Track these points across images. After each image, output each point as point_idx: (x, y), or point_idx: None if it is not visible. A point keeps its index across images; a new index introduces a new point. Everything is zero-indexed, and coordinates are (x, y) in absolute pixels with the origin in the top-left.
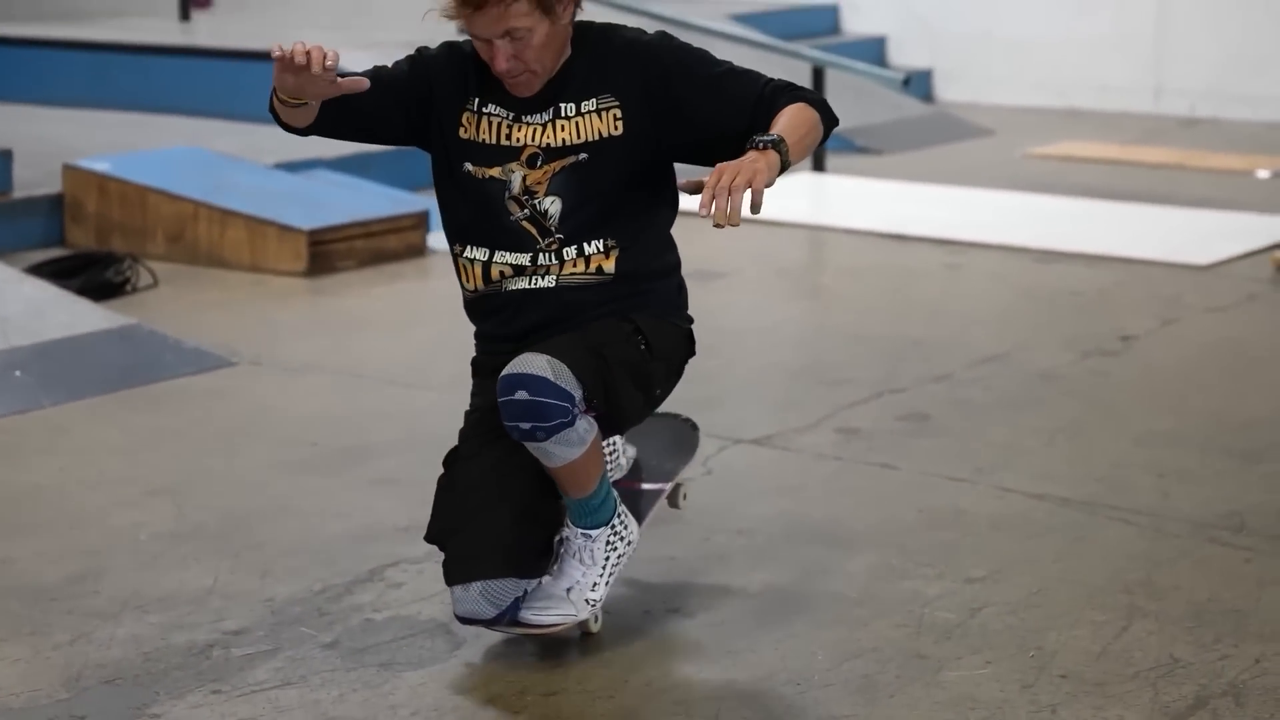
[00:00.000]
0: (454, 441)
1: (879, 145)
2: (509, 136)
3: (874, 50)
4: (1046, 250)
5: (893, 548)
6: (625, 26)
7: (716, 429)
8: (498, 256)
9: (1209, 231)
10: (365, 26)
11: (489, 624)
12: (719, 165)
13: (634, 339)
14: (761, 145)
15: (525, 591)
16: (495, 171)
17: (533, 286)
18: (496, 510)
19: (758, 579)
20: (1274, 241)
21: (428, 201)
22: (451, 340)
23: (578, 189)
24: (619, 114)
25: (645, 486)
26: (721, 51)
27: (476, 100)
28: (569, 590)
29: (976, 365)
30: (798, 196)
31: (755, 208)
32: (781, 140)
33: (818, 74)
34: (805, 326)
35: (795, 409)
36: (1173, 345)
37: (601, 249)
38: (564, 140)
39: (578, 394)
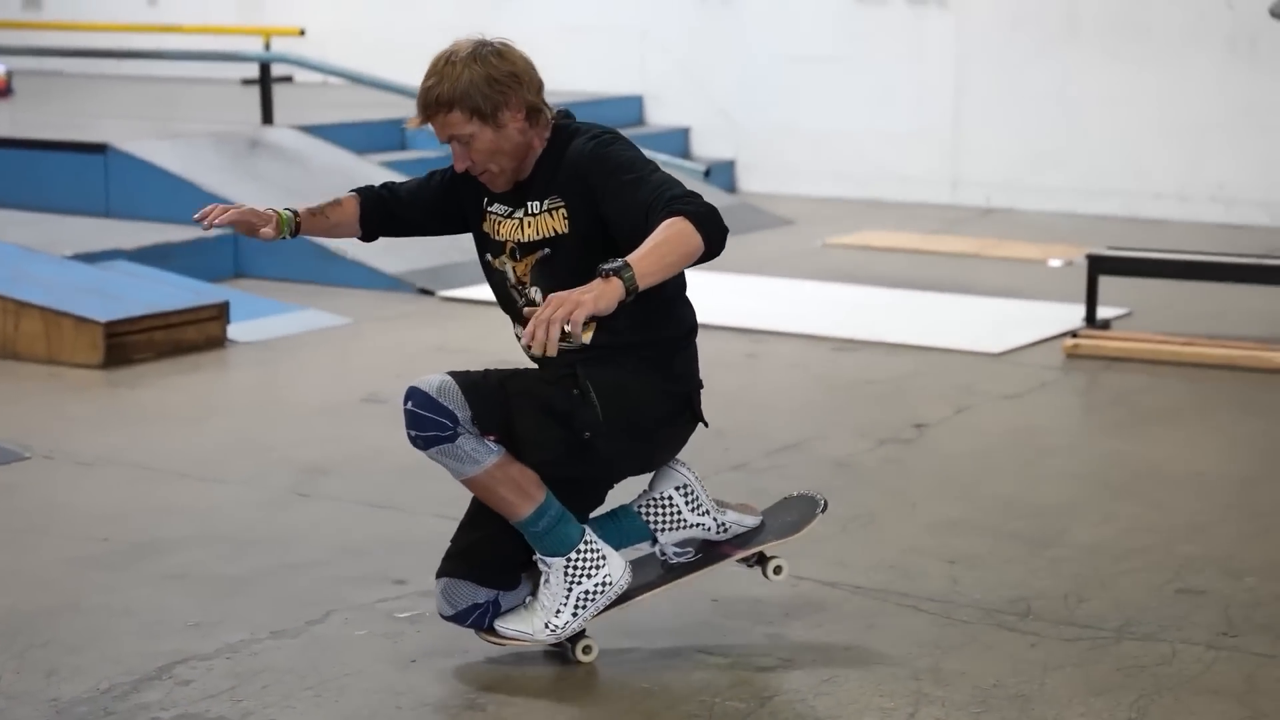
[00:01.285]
0: (248, 534)
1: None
2: (498, 231)
3: (678, 141)
4: (845, 339)
5: (686, 637)
6: (591, 129)
7: None
8: (517, 329)
9: (1003, 320)
10: (164, 117)
11: (456, 622)
12: (550, 296)
13: (565, 382)
14: (605, 274)
15: (496, 602)
16: (498, 263)
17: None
18: (478, 519)
19: (547, 671)
20: (1065, 329)
21: (228, 292)
22: (248, 433)
23: (549, 278)
24: (565, 214)
25: (732, 551)
26: None
27: (486, 199)
28: (536, 612)
29: (773, 454)
30: None
31: (573, 338)
32: (626, 267)
33: None
34: None
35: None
36: (965, 433)
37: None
38: (529, 236)
39: (462, 414)
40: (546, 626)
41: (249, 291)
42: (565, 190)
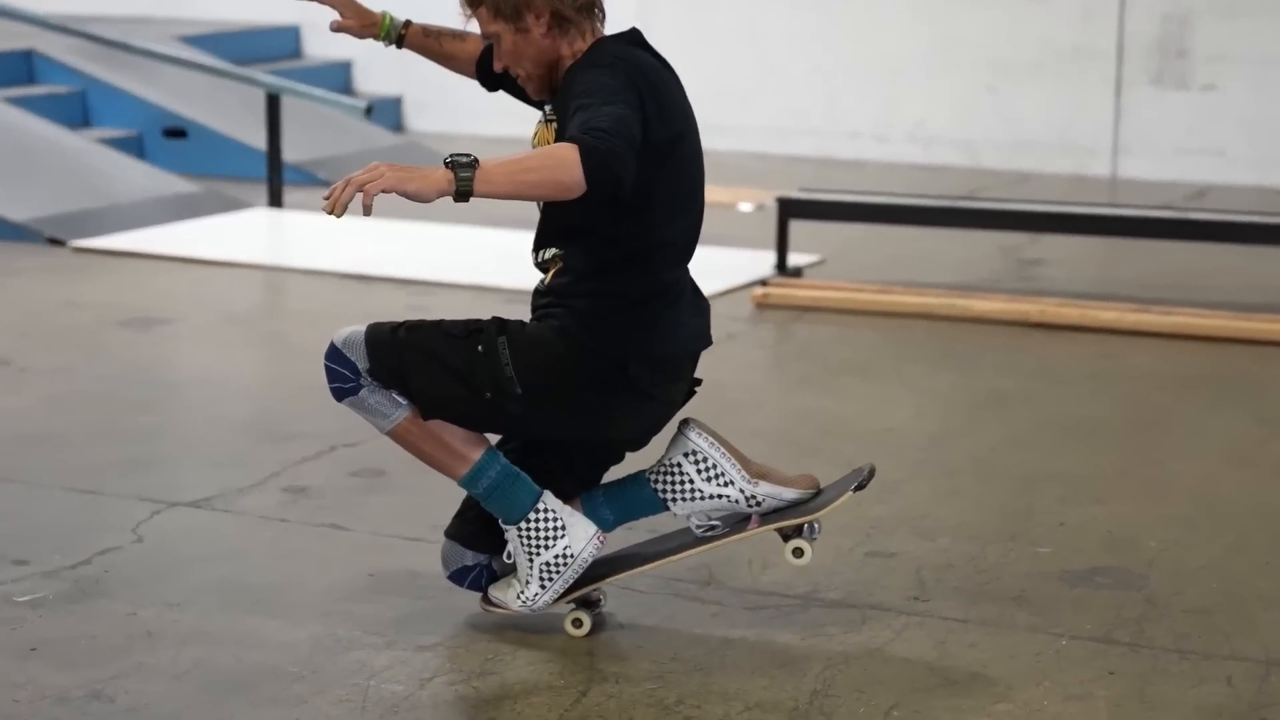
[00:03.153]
0: None
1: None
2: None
3: (338, 76)
4: (517, 290)
5: (339, 616)
6: (602, 51)
7: (151, 492)
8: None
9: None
10: None
11: (455, 583)
12: (372, 161)
13: (471, 338)
14: (446, 162)
15: (489, 566)
16: None
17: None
18: None
19: (187, 656)
20: (755, 278)
21: None
22: None
23: (544, 231)
24: (556, 129)
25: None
26: (168, 77)
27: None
28: (512, 583)
29: None
30: (252, 235)
31: (365, 209)
32: (471, 165)
33: (273, 101)
34: (255, 377)
35: (239, 467)
36: None
37: (552, 257)
38: (534, 146)
39: (363, 366)
40: (519, 598)
41: None
42: (558, 108)
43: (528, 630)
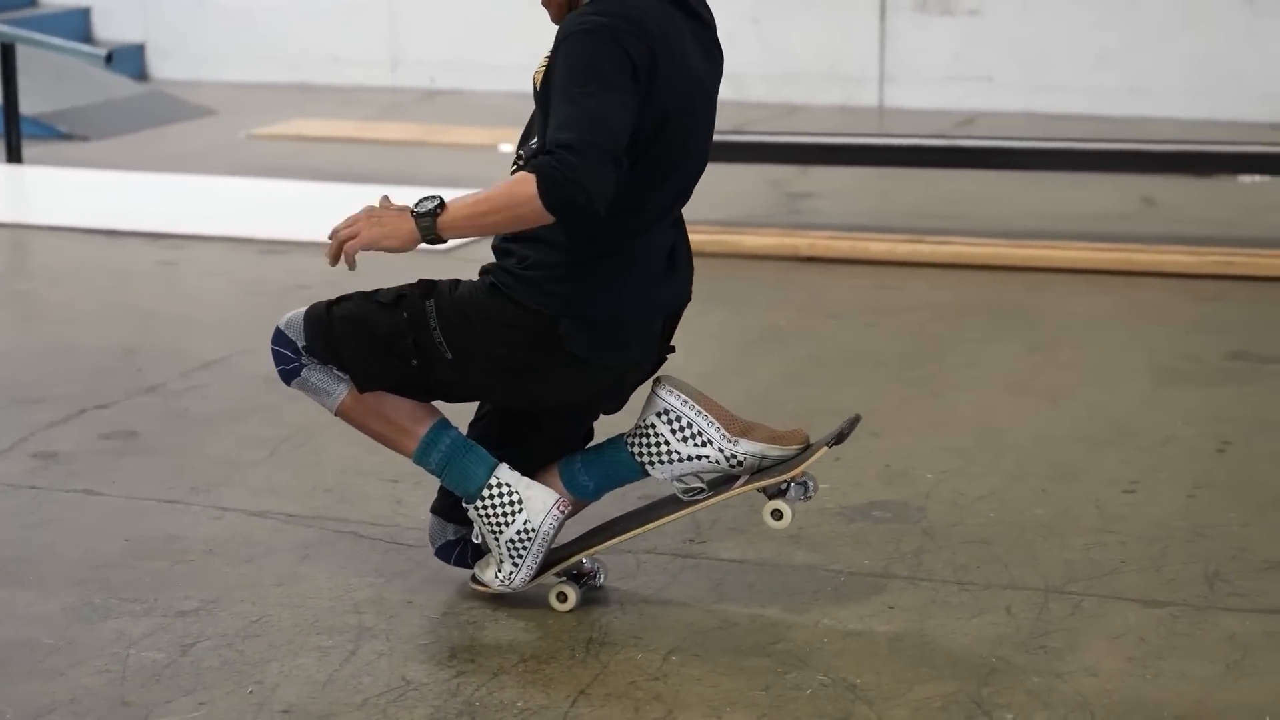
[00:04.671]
0: None
1: (84, 130)
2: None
3: (77, 23)
4: (273, 240)
5: (95, 584)
6: (596, 7)
7: None
8: None
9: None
10: None
11: (441, 559)
12: (356, 214)
13: (398, 305)
14: (412, 211)
15: (471, 540)
16: None
17: None
18: None
19: None
20: None
21: None
22: None
23: (528, 133)
24: (543, 78)
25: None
26: None
27: None
28: (489, 561)
29: (193, 373)
30: None
31: (349, 265)
32: (434, 212)
33: (7, 50)
34: None
35: None
36: None
37: None
38: (534, 81)
39: (301, 343)
40: (496, 578)
41: None
42: (551, 58)
43: (292, 590)
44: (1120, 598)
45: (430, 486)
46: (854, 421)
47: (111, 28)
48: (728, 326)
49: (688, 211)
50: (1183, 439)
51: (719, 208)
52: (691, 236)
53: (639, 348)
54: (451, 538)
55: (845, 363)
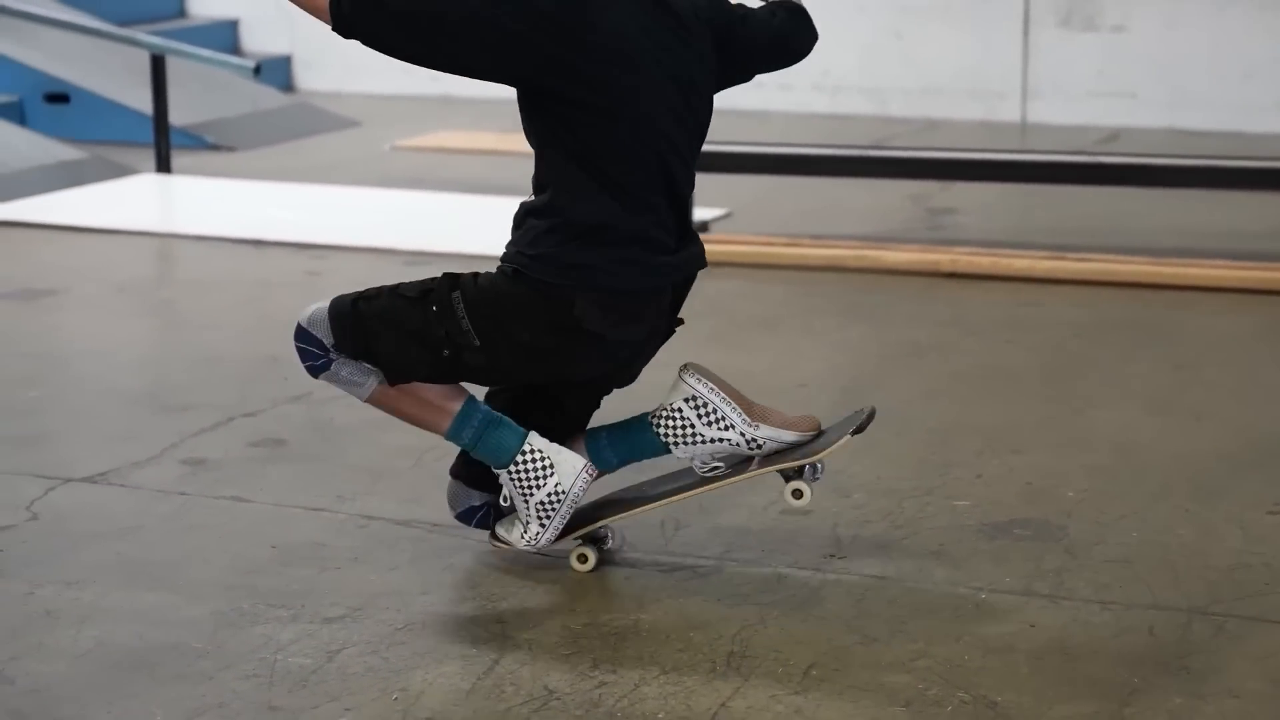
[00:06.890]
0: None
1: (232, 141)
2: None
3: (225, 35)
4: (417, 251)
5: (242, 590)
6: None
7: (43, 468)
8: None
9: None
10: None
11: (462, 523)
12: None
13: (427, 298)
14: None
15: (497, 504)
16: None
17: None
18: None
19: (88, 635)
20: None
21: None
22: None
23: None
24: None
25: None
26: (47, 40)
27: None
28: (515, 522)
29: None
30: (141, 201)
31: None
32: None
33: (158, 62)
34: (147, 347)
35: (133, 441)
36: None
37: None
38: None
39: (329, 340)
40: (523, 538)
41: None
42: None
43: (437, 599)
44: (1265, 620)
45: None
46: (870, 414)
47: (258, 40)
48: (868, 341)
49: (829, 227)
50: None
51: (860, 223)
52: (833, 252)
53: (650, 320)
54: (475, 503)
55: (985, 379)
